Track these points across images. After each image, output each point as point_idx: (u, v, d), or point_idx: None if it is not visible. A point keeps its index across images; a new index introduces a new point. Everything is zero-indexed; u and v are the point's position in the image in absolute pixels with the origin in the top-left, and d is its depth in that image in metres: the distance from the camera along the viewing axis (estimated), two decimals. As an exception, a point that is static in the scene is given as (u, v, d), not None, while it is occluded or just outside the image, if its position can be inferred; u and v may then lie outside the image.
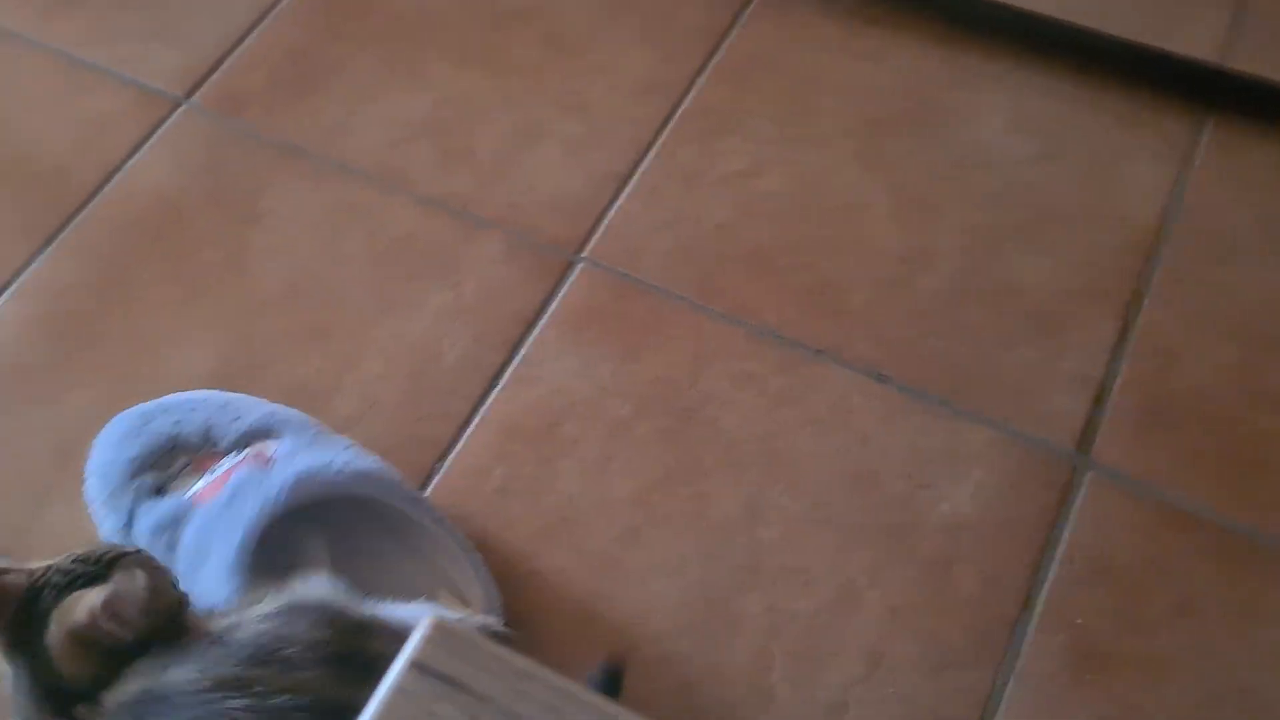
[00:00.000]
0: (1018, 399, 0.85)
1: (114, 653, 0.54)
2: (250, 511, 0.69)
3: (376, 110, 1.02)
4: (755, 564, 0.79)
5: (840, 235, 0.93)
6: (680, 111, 1.00)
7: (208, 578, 0.68)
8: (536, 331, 0.89)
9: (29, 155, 1.01)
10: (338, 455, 0.73)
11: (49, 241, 0.95)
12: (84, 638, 0.54)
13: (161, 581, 0.57)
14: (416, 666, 0.32)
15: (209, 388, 0.86)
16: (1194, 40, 0.99)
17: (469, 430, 0.85)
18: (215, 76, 1.05)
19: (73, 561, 0.58)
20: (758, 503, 0.81)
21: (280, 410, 0.80)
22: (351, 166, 0.98)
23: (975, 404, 0.84)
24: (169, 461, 0.78)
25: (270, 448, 0.76)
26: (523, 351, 0.88)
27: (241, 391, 0.84)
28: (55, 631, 0.55)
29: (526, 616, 0.77)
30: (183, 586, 0.60)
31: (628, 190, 0.96)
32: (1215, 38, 0.99)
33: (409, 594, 0.70)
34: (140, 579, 0.55)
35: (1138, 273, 0.90)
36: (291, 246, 0.94)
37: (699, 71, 1.03)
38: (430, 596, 0.73)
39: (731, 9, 1.07)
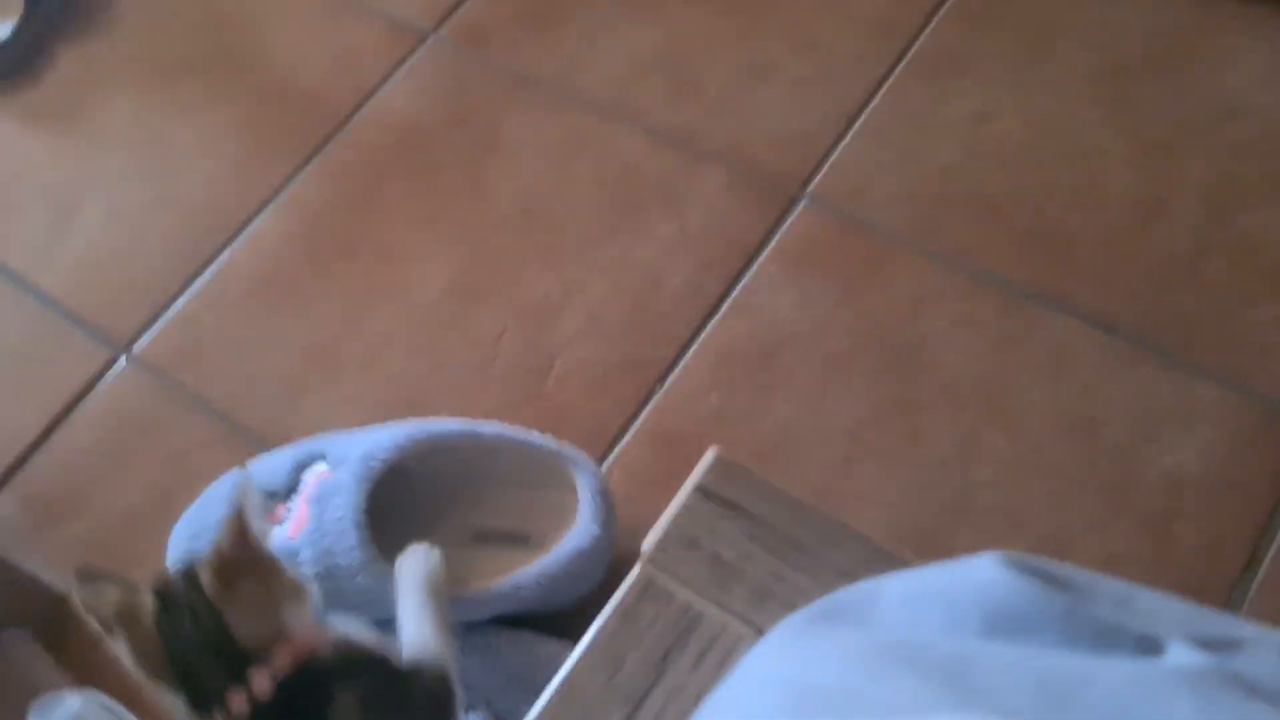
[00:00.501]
0: (1257, 357, 0.82)
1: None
2: (348, 481, 0.74)
3: (611, 44, 1.05)
4: (966, 502, 0.79)
5: (1073, 182, 0.91)
6: (912, 52, 1.00)
7: (340, 552, 0.73)
8: (757, 264, 0.91)
9: (289, 79, 1.09)
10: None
11: (307, 161, 1.03)
12: (226, 564, 0.57)
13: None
14: (700, 490, 0.35)
15: (445, 302, 0.92)
16: None
17: (688, 355, 0.88)
18: (461, 10, 1.10)
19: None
20: (972, 443, 0.81)
21: (302, 445, 0.82)
22: (585, 98, 1.02)
23: (1209, 360, 0.82)
24: None
25: (324, 466, 0.79)
26: (743, 282, 0.91)
27: (483, 303, 0.89)
28: (207, 585, 0.57)
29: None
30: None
31: (854, 129, 0.97)
32: None
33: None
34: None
35: (1400, 233, 0.85)
36: (526, 172, 0.99)
37: (933, 12, 1.01)
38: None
39: (969, -51, 1.05)
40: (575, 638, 0.74)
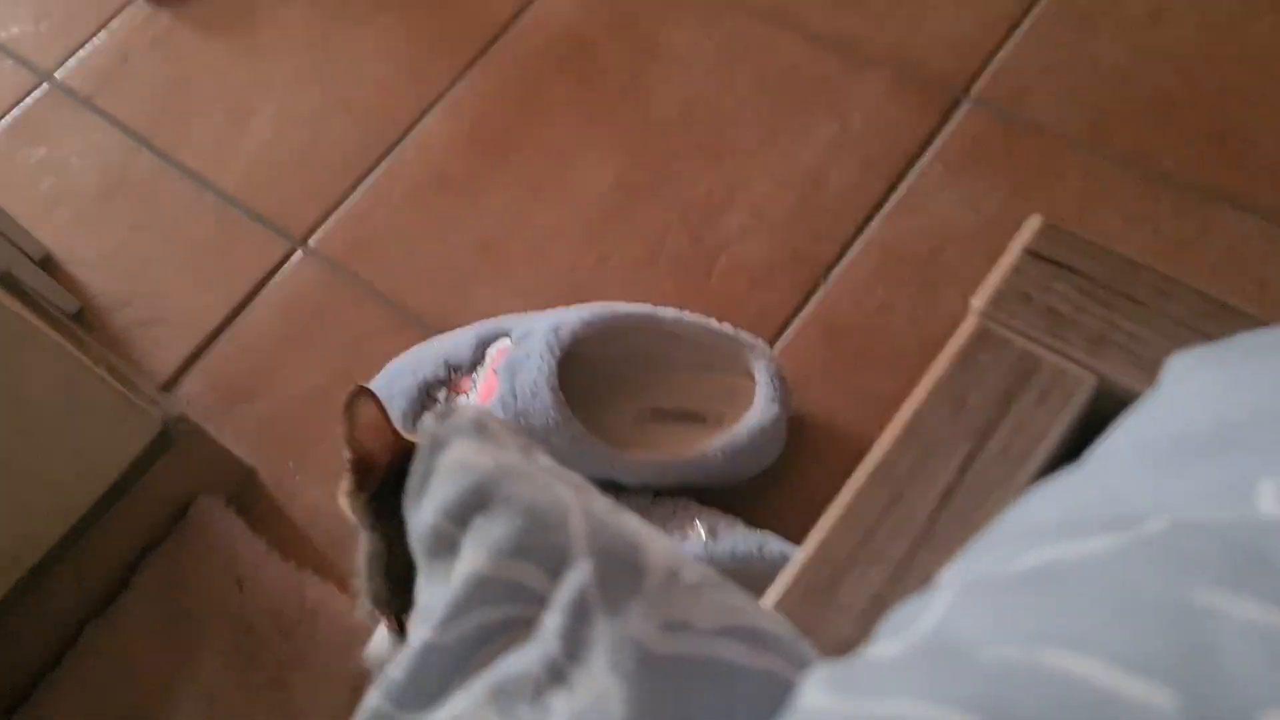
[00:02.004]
0: None
1: None
2: (539, 347, 0.76)
3: (769, -49, 1.05)
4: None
5: (1250, 83, 0.89)
6: (1080, -45, 0.98)
7: (534, 413, 0.76)
8: (921, 164, 0.91)
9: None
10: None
11: (471, 64, 1.06)
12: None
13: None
14: (1029, 252, 0.36)
15: (609, 198, 0.94)
16: None
17: (853, 250, 0.89)
18: (618, -80, 1.11)
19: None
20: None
21: (484, 324, 0.85)
22: (744, 3, 1.03)
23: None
24: (431, 402, 0.83)
25: (507, 342, 0.82)
26: (907, 182, 0.91)
27: (647, 200, 0.91)
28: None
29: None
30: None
31: (1020, 31, 0.96)
32: None
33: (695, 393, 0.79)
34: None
35: None
36: (686, 76, 1.00)
37: (1103, -86, 1.00)
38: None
39: None
40: (748, 517, 0.76)
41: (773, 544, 0.73)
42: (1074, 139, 0.90)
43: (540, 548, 0.30)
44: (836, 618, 0.31)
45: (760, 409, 0.79)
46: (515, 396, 0.76)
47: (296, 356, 0.94)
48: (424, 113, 1.03)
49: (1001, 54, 0.95)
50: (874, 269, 0.88)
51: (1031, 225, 0.37)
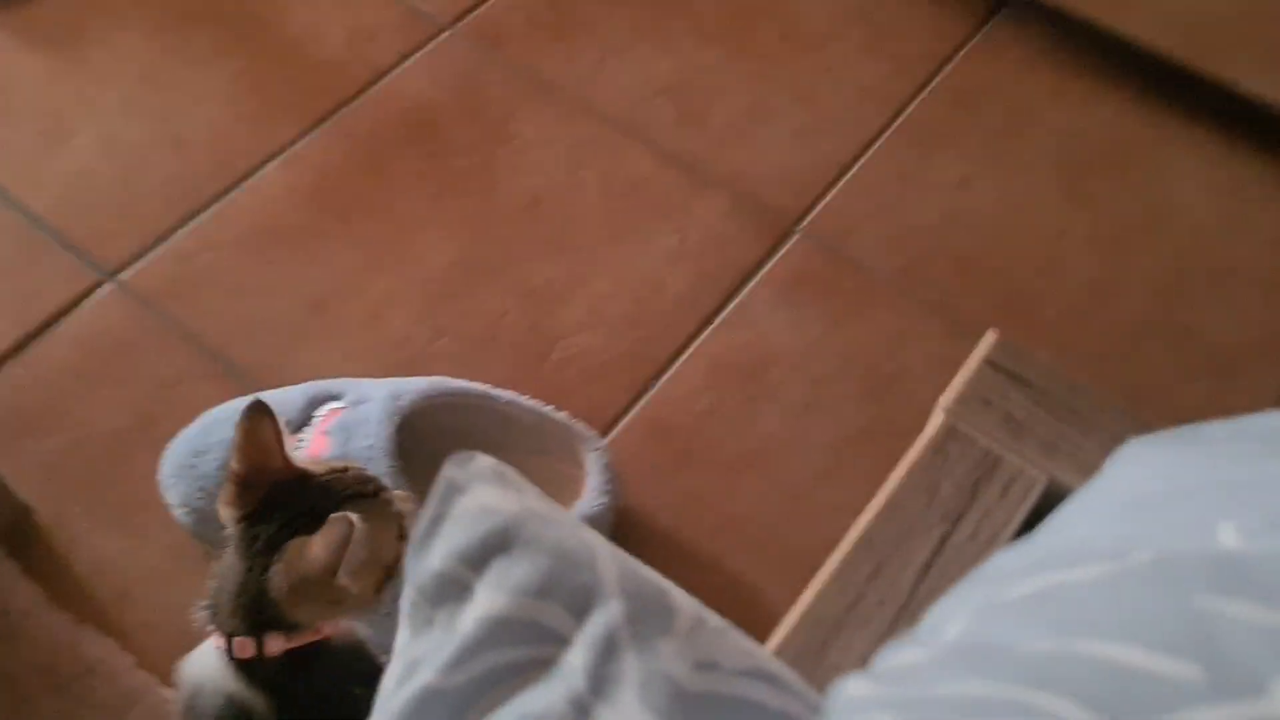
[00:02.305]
0: (1190, 426, 0.91)
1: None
2: (377, 413, 0.76)
3: (624, 65, 1.11)
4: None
5: (1038, 254, 1.01)
6: (901, 119, 1.09)
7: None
8: (752, 284, 0.97)
9: (302, 46, 1.10)
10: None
11: (319, 123, 1.04)
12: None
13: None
14: (989, 363, 0.39)
15: (450, 275, 0.94)
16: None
17: (683, 357, 0.93)
18: (479, 10, 1.14)
19: (356, 478, 0.60)
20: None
21: (316, 384, 0.83)
22: (597, 109, 1.07)
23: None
24: None
25: (338, 404, 0.80)
26: (738, 299, 0.96)
27: (488, 282, 0.92)
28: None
29: (721, 524, 0.84)
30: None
31: (848, 177, 1.04)
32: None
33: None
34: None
35: (1309, 339, 0.97)
36: (535, 168, 1.03)
37: (923, 87, 1.11)
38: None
39: (955, 40, 1.15)
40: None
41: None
42: (889, 281, 0.98)
43: (566, 587, 0.30)
44: (827, 676, 0.33)
45: (589, 499, 0.80)
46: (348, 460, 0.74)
47: (97, 394, 0.88)
48: (264, 162, 1.01)
49: (831, 195, 1.03)
50: (702, 378, 0.92)
51: (989, 339, 0.41)
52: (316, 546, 0.54)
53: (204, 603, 0.58)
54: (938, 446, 0.42)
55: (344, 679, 0.57)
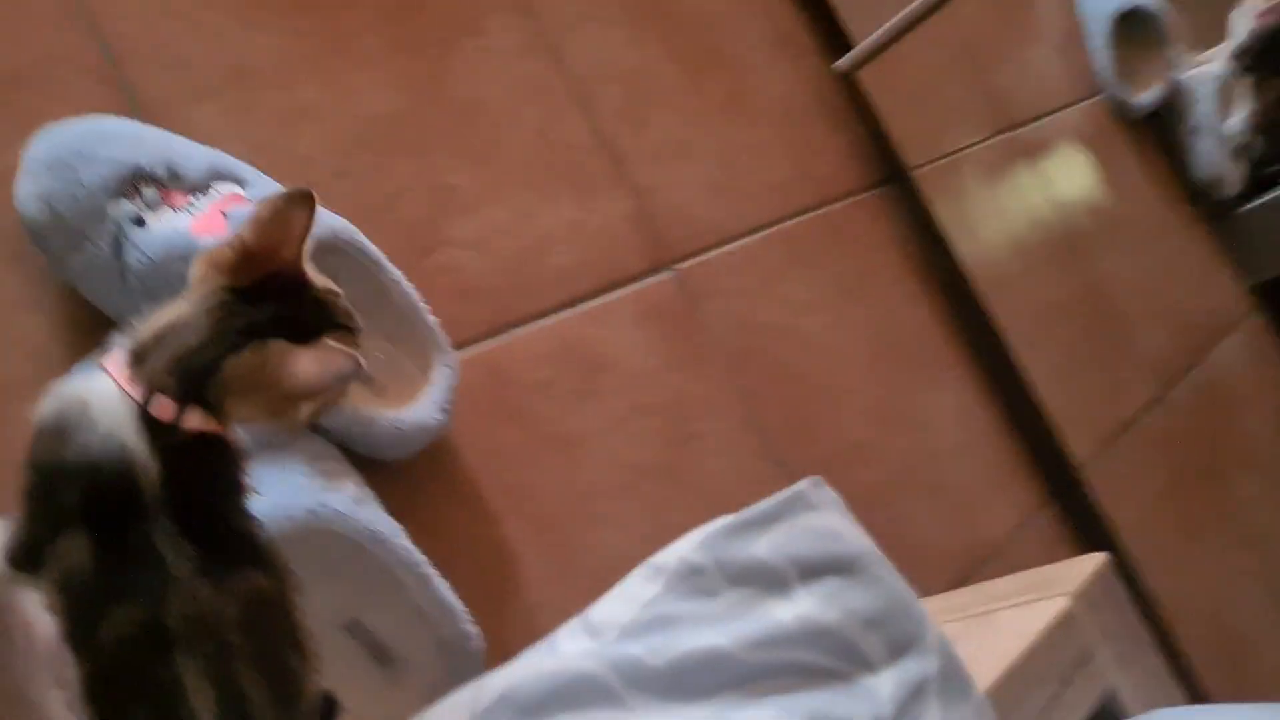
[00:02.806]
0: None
1: None
2: None
3: (601, 35, 1.12)
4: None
5: (831, 397, 1.13)
6: (786, 225, 1.19)
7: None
8: (620, 294, 1.02)
9: None
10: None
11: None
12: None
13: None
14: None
15: (374, 125, 0.91)
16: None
17: (542, 323, 0.95)
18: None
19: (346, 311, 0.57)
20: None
21: (225, 157, 0.79)
22: (565, 60, 1.08)
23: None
24: (134, 193, 0.73)
25: (240, 190, 0.77)
26: (605, 299, 1.00)
27: (405, 154, 0.90)
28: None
29: (515, 487, 0.87)
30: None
31: (728, 249, 1.12)
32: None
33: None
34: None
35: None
36: (490, 77, 1.02)
37: (810, 210, 1.22)
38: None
39: (848, 186, 1.28)
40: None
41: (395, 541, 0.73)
42: (720, 355, 1.06)
43: (894, 627, 0.33)
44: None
45: (426, 409, 0.80)
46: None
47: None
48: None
49: (710, 255, 1.10)
50: (550, 349, 0.95)
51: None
52: (306, 363, 0.52)
53: (125, 338, 0.53)
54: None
55: (226, 482, 0.55)
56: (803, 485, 0.40)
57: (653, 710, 0.35)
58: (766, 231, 1.17)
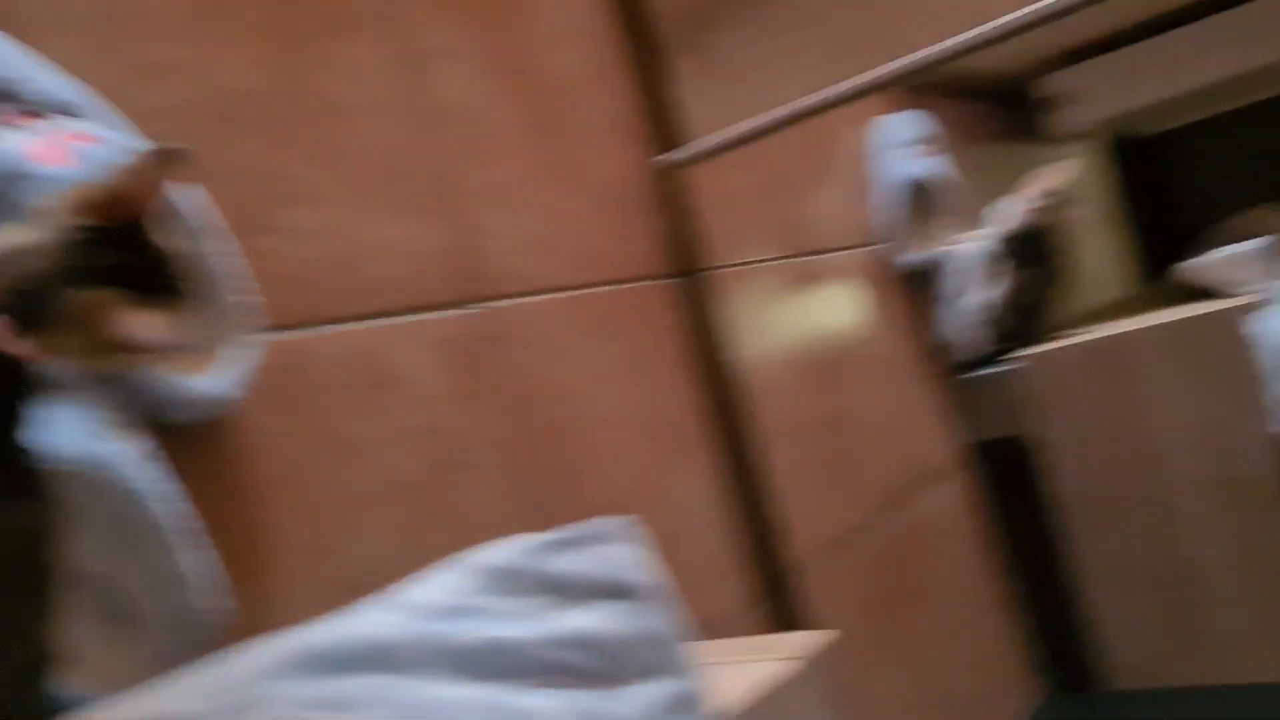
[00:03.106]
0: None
1: None
2: None
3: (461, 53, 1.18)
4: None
5: (596, 465, 1.21)
6: (585, 293, 1.27)
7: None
8: (428, 316, 1.06)
9: None
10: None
11: None
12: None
13: None
14: None
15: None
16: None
17: (345, 327, 0.98)
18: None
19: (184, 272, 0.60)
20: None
21: (76, 91, 0.80)
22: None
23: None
24: None
25: (89, 131, 0.78)
26: (412, 319, 1.04)
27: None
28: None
29: (279, 477, 0.89)
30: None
31: (527, 300, 1.19)
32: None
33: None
34: None
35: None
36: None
37: (611, 283, 1.31)
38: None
39: (647, 271, 1.38)
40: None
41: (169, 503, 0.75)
42: (496, 399, 1.12)
43: (657, 652, 0.39)
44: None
45: (221, 381, 0.82)
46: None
47: None
48: None
49: (511, 302, 1.17)
50: (351, 352, 0.98)
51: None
52: (137, 318, 0.54)
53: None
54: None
55: (20, 409, 0.56)
56: (616, 522, 0.47)
57: (445, 684, 0.40)
58: (568, 293, 1.24)
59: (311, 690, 0.41)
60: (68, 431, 0.69)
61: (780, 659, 0.66)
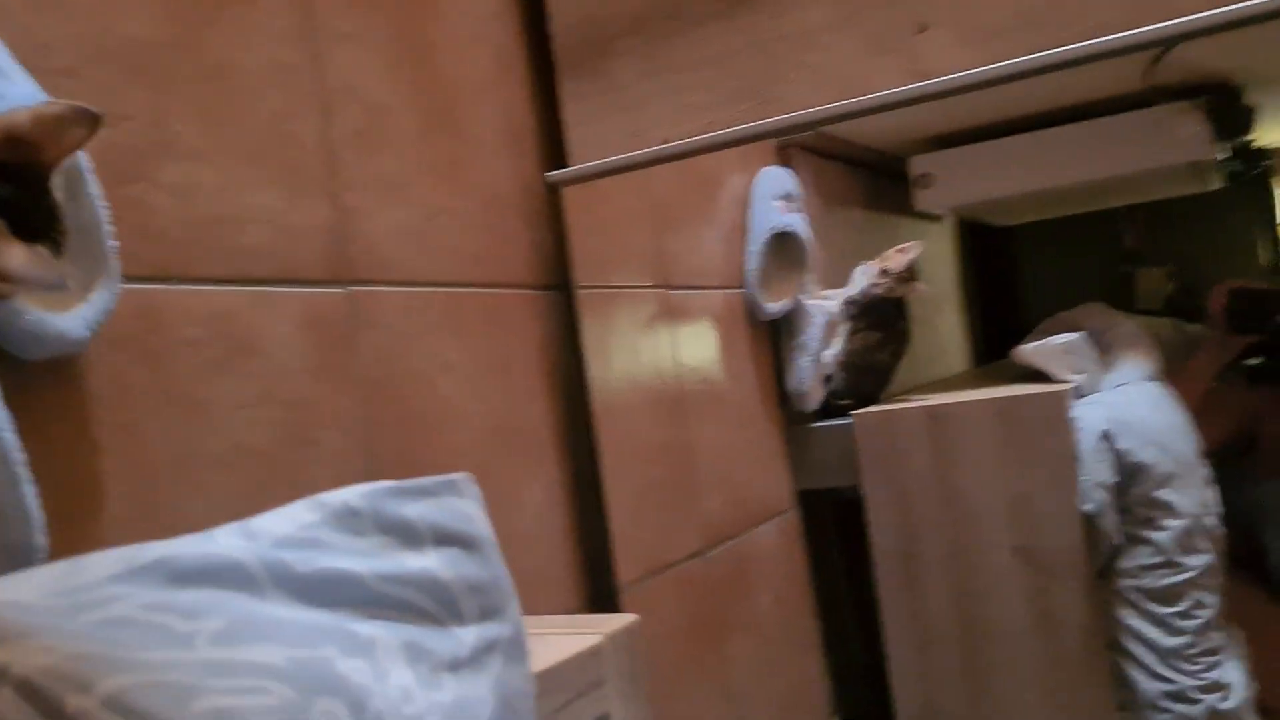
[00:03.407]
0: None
1: None
2: None
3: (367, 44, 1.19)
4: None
5: (449, 452, 1.23)
6: (463, 291, 1.29)
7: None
8: (297, 290, 1.07)
9: None
10: None
11: None
12: None
13: None
14: None
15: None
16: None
17: (210, 288, 0.98)
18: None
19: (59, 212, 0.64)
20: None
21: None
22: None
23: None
24: None
25: None
26: (280, 290, 1.05)
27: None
28: None
29: (121, 447, 0.89)
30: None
31: (407, 290, 1.20)
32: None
33: None
34: None
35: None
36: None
37: (495, 286, 1.33)
38: None
39: (529, 284, 1.40)
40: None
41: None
42: (346, 380, 1.13)
43: (487, 598, 0.41)
44: None
45: (74, 321, 0.82)
46: None
47: None
48: None
49: (384, 289, 1.18)
50: (209, 316, 0.98)
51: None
52: (16, 252, 0.55)
53: None
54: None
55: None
56: (458, 476, 0.50)
57: (286, 606, 0.42)
58: (441, 289, 1.26)
59: (157, 596, 0.43)
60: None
61: (588, 633, 0.71)
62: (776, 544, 1.93)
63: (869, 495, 1.93)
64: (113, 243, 0.85)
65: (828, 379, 2.00)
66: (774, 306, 1.94)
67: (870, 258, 2.05)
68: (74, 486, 0.84)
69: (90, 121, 0.57)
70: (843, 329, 2.00)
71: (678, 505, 1.65)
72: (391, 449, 1.16)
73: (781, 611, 1.92)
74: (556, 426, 1.43)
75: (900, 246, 2.02)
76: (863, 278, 2.02)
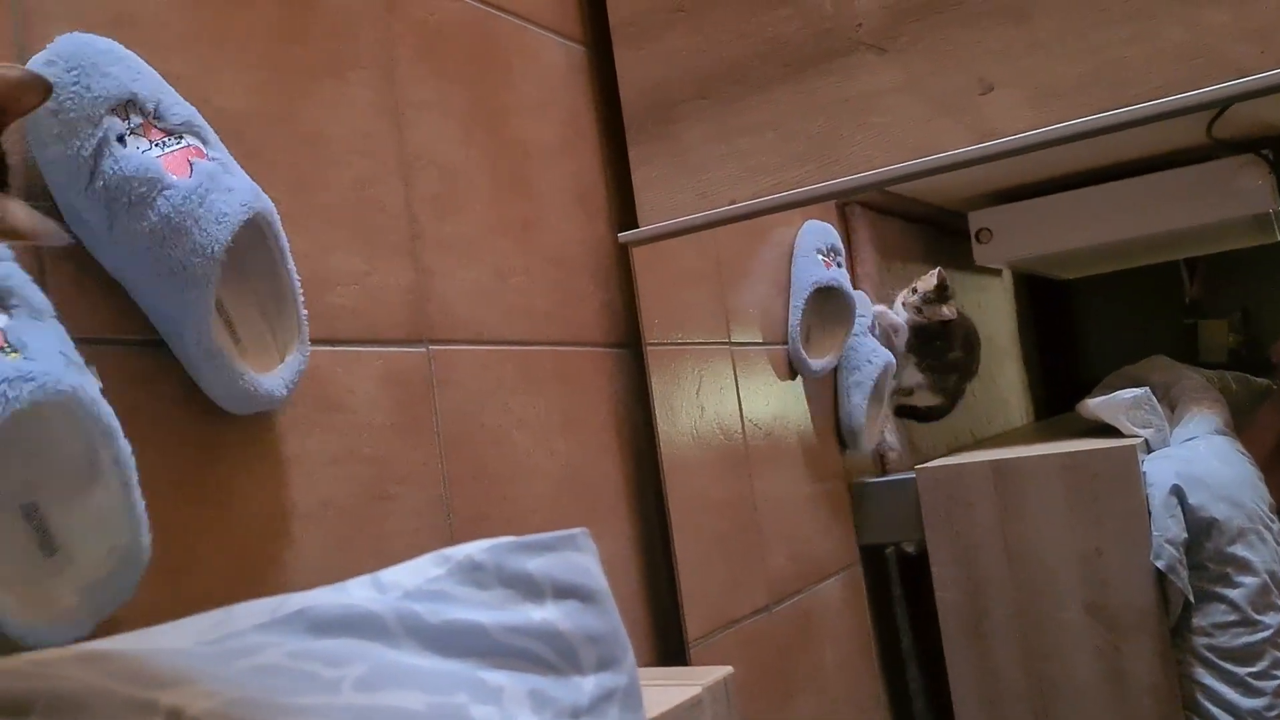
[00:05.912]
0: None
1: None
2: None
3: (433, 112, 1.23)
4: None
5: (529, 508, 1.25)
6: (523, 349, 1.32)
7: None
8: (379, 349, 1.10)
9: None
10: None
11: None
12: None
13: None
14: None
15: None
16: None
17: (311, 348, 1.02)
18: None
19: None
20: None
21: (198, 114, 0.89)
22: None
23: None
24: (125, 114, 0.83)
25: (204, 150, 0.88)
26: (363, 349, 1.08)
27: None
28: None
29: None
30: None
31: (477, 347, 1.23)
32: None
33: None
34: None
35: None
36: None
37: (556, 344, 1.36)
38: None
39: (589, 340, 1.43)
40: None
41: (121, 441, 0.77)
42: (408, 437, 1.16)
43: (605, 648, 0.44)
44: None
45: (276, 382, 0.87)
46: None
47: None
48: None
49: (460, 347, 1.21)
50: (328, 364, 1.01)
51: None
52: (21, 210, 0.57)
53: None
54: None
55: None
56: (577, 531, 0.52)
57: (418, 654, 0.44)
58: (515, 348, 1.29)
59: (301, 644, 0.45)
60: (51, 356, 0.70)
61: (687, 684, 0.72)
62: (840, 600, 1.93)
63: (933, 550, 1.91)
64: (304, 311, 0.91)
65: (882, 428, 2.00)
66: (818, 364, 1.94)
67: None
68: (173, 520, 0.87)
69: (45, 90, 0.60)
70: (891, 375, 2.01)
71: (743, 561, 1.66)
72: (467, 503, 1.18)
73: (846, 668, 1.91)
74: (626, 482, 1.45)
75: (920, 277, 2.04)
76: (900, 307, 2.03)
